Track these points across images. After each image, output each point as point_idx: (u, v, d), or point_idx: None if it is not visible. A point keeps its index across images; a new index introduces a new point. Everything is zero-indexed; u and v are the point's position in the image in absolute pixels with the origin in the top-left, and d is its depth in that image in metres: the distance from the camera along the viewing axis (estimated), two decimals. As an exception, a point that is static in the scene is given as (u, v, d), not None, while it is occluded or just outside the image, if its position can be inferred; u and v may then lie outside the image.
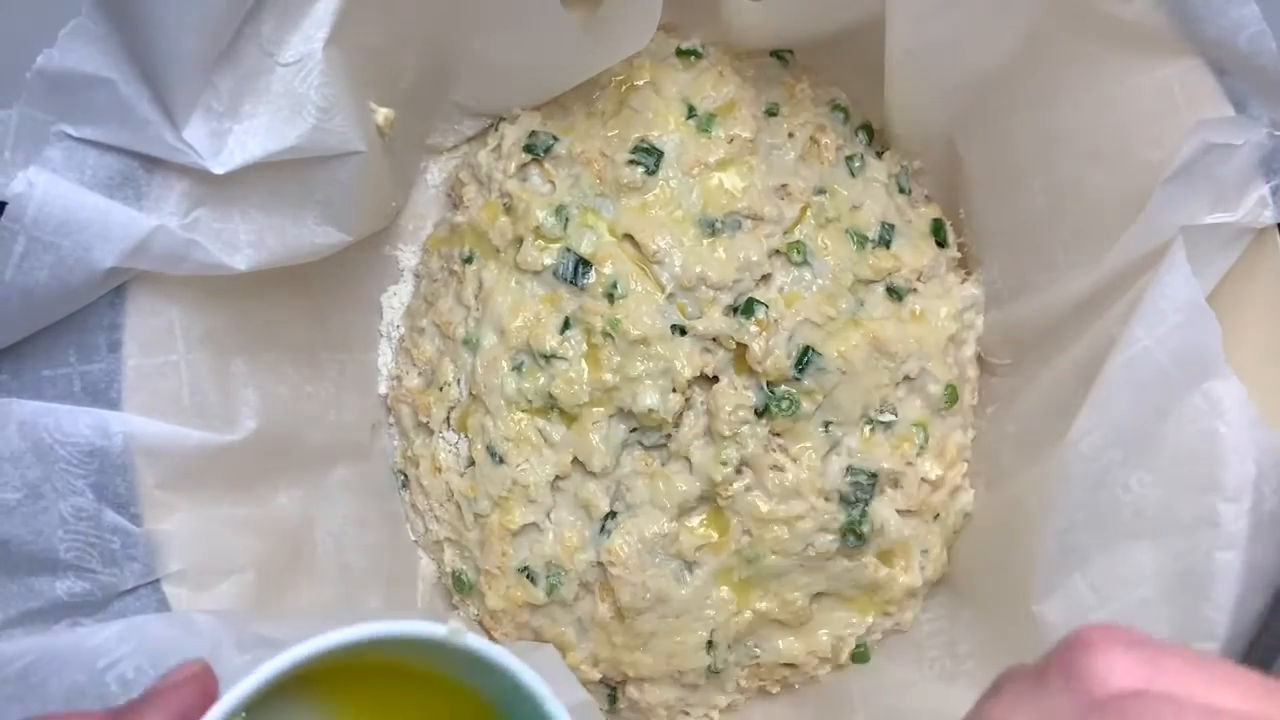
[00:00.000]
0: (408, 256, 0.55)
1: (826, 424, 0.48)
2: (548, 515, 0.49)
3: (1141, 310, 0.39)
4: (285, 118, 0.38)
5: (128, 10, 0.35)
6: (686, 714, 0.50)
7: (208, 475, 0.40)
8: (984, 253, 0.51)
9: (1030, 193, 0.47)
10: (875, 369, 0.48)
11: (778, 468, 0.47)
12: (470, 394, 0.50)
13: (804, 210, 0.49)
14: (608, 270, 0.47)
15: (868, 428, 0.48)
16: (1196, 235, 0.39)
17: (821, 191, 0.50)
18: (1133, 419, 0.39)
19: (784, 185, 0.49)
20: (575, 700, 0.42)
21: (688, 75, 0.51)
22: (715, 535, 0.48)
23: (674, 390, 0.47)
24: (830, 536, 0.47)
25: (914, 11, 0.44)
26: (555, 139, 0.50)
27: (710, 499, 0.48)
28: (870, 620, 0.50)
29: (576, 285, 0.48)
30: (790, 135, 0.50)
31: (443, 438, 0.51)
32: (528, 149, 0.50)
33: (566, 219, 0.48)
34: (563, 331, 0.48)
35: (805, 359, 0.47)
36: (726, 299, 0.47)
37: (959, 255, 0.52)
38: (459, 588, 0.51)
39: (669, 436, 0.48)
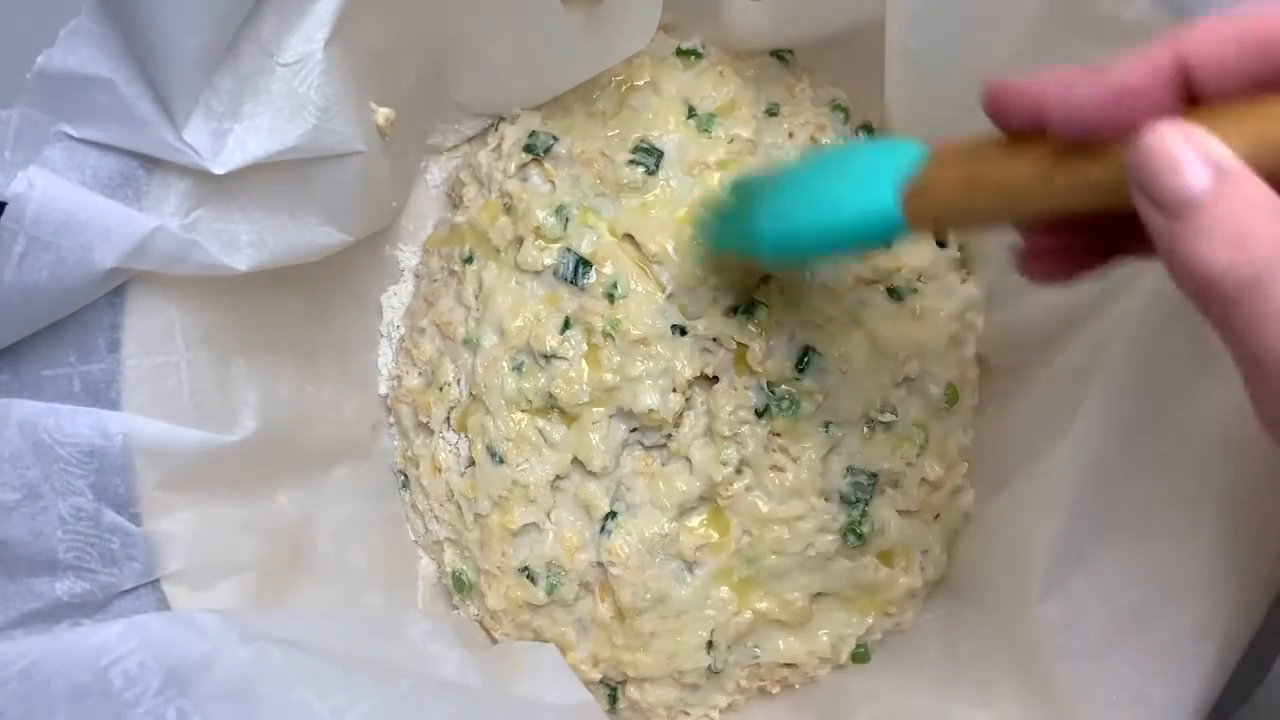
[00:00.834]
0: (408, 256, 0.55)
1: (827, 424, 0.48)
2: (548, 515, 0.49)
3: (1141, 309, 0.39)
4: (286, 118, 0.38)
5: (128, 10, 0.35)
6: (687, 714, 0.50)
7: (208, 475, 0.40)
8: (984, 252, 0.51)
9: (1030, 193, 0.47)
10: (876, 369, 0.48)
11: (778, 468, 0.47)
12: (470, 394, 0.50)
13: (804, 210, 0.49)
14: (608, 270, 0.47)
15: (868, 428, 0.48)
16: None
17: (822, 191, 0.50)
18: (1133, 419, 0.39)
19: (784, 185, 0.49)
20: (576, 700, 0.42)
21: (688, 75, 0.51)
22: (715, 535, 0.48)
23: (674, 390, 0.47)
24: (830, 537, 0.47)
25: (913, 11, 0.44)
26: (555, 139, 0.50)
27: (710, 499, 0.48)
28: (870, 620, 0.49)
29: (577, 285, 0.48)
30: (790, 135, 0.50)
31: (443, 438, 0.51)
32: (528, 149, 0.50)
33: (567, 219, 0.48)
34: (563, 331, 0.48)
35: (805, 359, 0.47)
36: (727, 299, 0.47)
37: (959, 255, 0.52)
38: (459, 588, 0.51)
39: (669, 436, 0.48)
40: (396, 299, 0.55)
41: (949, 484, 0.49)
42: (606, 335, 0.47)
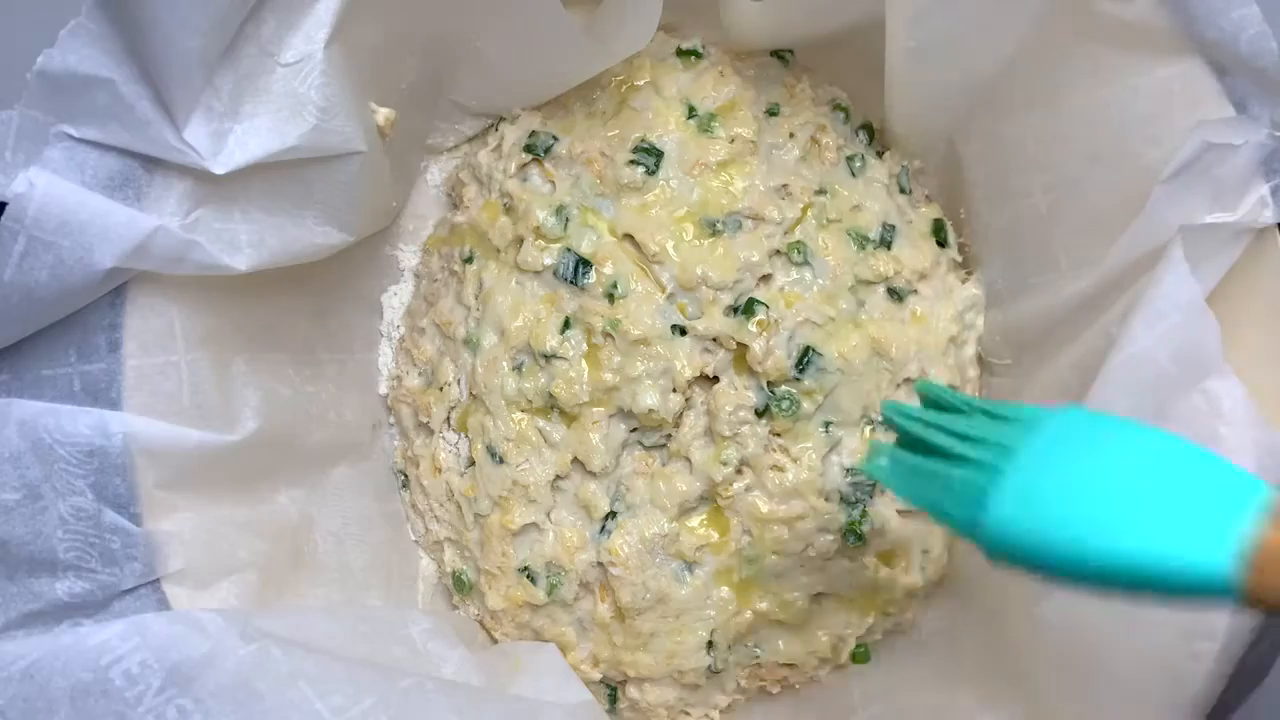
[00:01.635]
0: (408, 256, 0.55)
1: (827, 424, 0.48)
2: (548, 515, 0.49)
3: (1141, 310, 0.39)
4: (286, 118, 0.38)
5: (128, 10, 0.35)
6: (687, 714, 0.50)
7: (208, 475, 0.40)
8: (984, 253, 0.52)
9: (1030, 193, 0.47)
10: (875, 370, 0.48)
11: (778, 468, 0.47)
12: (470, 394, 0.50)
13: (805, 210, 0.49)
14: (608, 270, 0.47)
15: (868, 428, 0.48)
16: (1196, 235, 0.39)
17: (822, 191, 0.50)
18: (1132, 418, 0.39)
19: (785, 185, 0.49)
20: (576, 700, 0.42)
21: (688, 75, 0.51)
22: (715, 535, 0.48)
23: (674, 390, 0.47)
24: (830, 537, 0.47)
25: (914, 11, 0.44)
26: (555, 139, 0.50)
27: (710, 499, 0.48)
28: (871, 620, 0.49)
29: (577, 285, 0.48)
30: (791, 135, 0.50)
31: (443, 438, 0.51)
32: (528, 149, 0.50)
33: (567, 219, 0.48)
34: (563, 331, 0.48)
35: (805, 359, 0.47)
36: (727, 299, 0.47)
37: (959, 255, 0.52)
38: (459, 588, 0.51)
39: (669, 436, 0.48)
40: (396, 299, 0.55)
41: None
42: (606, 335, 0.47)
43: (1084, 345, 0.43)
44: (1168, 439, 0.30)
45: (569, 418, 0.48)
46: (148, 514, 0.37)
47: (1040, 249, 0.47)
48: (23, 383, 0.37)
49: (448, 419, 0.51)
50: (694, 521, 0.48)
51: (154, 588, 0.37)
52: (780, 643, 0.49)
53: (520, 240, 0.49)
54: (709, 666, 0.48)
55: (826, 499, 0.47)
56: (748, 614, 0.48)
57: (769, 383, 0.47)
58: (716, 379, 0.47)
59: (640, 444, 0.48)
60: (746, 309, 0.47)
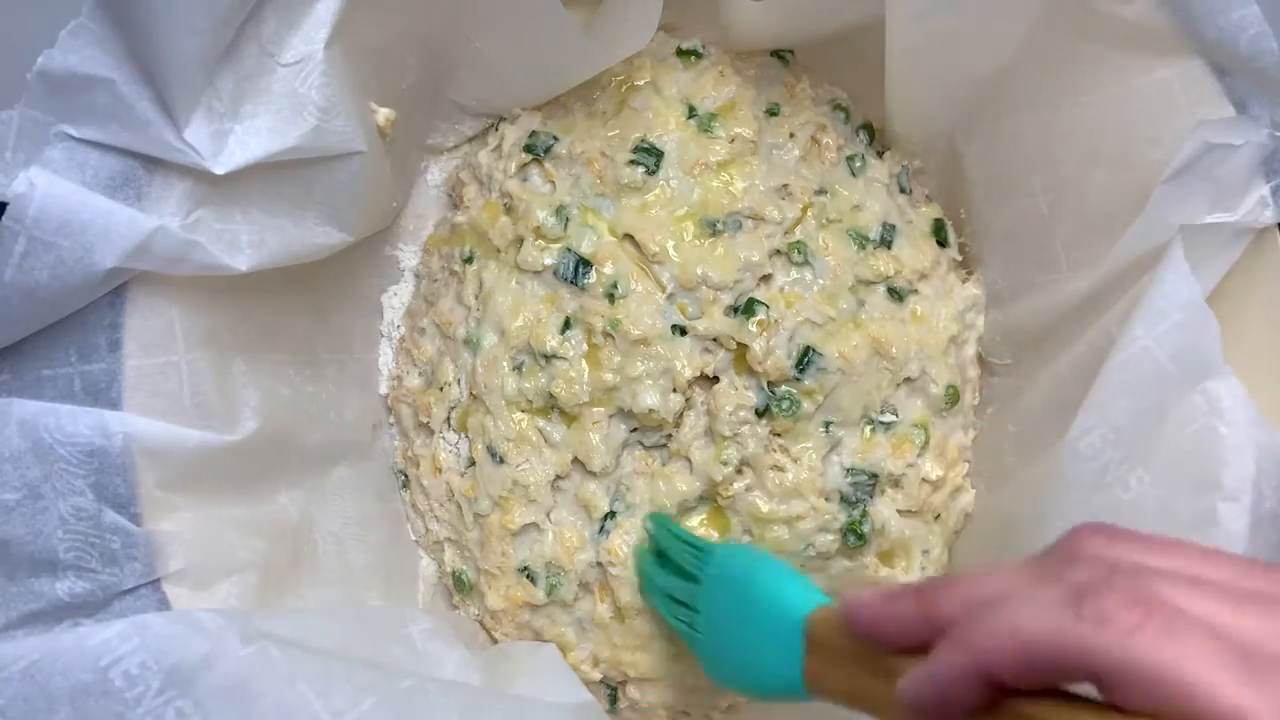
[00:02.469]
0: (408, 256, 0.55)
1: (827, 424, 0.48)
2: (548, 515, 0.49)
3: (1141, 309, 0.39)
4: (286, 118, 0.38)
5: (129, 10, 0.35)
6: (687, 715, 0.50)
7: (208, 475, 0.40)
8: (985, 253, 0.52)
9: (1031, 193, 0.47)
10: (876, 370, 0.48)
11: (778, 468, 0.47)
12: (471, 394, 0.50)
13: (805, 210, 0.49)
14: (608, 270, 0.47)
15: (868, 428, 0.48)
16: (1196, 235, 0.39)
17: (822, 191, 0.50)
18: (1132, 418, 0.39)
19: (785, 185, 0.49)
20: (577, 700, 0.42)
21: (688, 75, 0.51)
22: (715, 535, 0.48)
23: (674, 390, 0.47)
24: (831, 537, 0.47)
25: (913, 10, 0.44)
26: (555, 139, 0.50)
27: (710, 499, 0.48)
28: (870, 620, 0.49)
29: (577, 285, 0.48)
30: (791, 135, 0.50)
31: (443, 438, 0.51)
32: (528, 149, 0.50)
33: (567, 219, 0.48)
34: (563, 331, 0.48)
35: (806, 359, 0.47)
36: (727, 299, 0.47)
37: (960, 255, 0.52)
38: (459, 588, 0.51)
39: (669, 436, 0.48)
40: (397, 299, 0.55)
41: (949, 484, 0.49)
42: (606, 335, 0.47)
43: (1084, 345, 0.43)
44: (758, 575, 0.38)
45: (569, 418, 0.48)
46: (148, 514, 0.37)
47: (1041, 249, 0.47)
48: (23, 383, 0.37)
49: (448, 419, 0.51)
50: (694, 521, 0.48)
51: (154, 588, 0.37)
52: (780, 643, 0.49)
53: (520, 240, 0.49)
54: (709, 666, 0.48)
55: (827, 499, 0.47)
56: (748, 614, 0.48)
57: (769, 383, 0.47)
58: (716, 379, 0.47)
59: (640, 444, 0.48)
60: (747, 309, 0.47)
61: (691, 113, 0.50)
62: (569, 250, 0.48)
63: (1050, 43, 0.43)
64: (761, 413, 0.47)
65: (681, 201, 0.48)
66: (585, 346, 0.47)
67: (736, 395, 0.47)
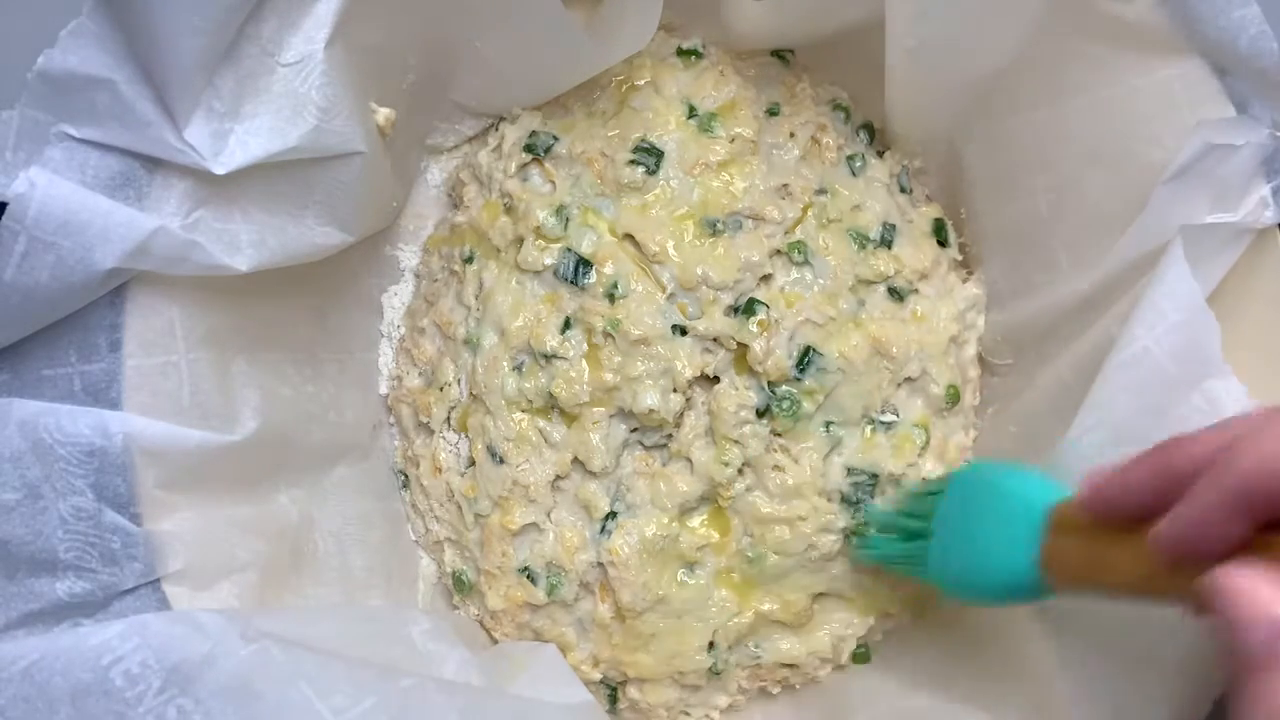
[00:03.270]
0: (408, 256, 0.55)
1: (828, 424, 0.48)
2: (548, 515, 0.49)
3: (1141, 309, 0.39)
4: (286, 118, 0.38)
5: (129, 11, 0.35)
6: (687, 714, 0.50)
7: (208, 475, 0.40)
8: (985, 252, 0.52)
9: (1031, 192, 0.47)
10: (876, 370, 0.48)
11: (779, 468, 0.47)
12: (471, 394, 0.50)
13: (805, 210, 0.49)
14: (608, 270, 0.47)
15: (869, 428, 0.48)
16: (1197, 235, 0.39)
17: (823, 191, 0.50)
18: (1132, 418, 0.39)
19: (785, 185, 0.49)
20: (577, 700, 0.42)
21: (688, 75, 0.51)
22: (716, 536, 0.48)
23: (675, 390, 0.47)
24: (832, 537, 0.47)
25: (914, 10, 0.44)
26: (556, 139, 0.50)
27: (711, 499, 0.48)
28: (871, 621, 0.50)
29: (577, 285, 0.48)
30: (791, 135, 0.50)
31: (443, 438, 0.51)
32: (528, 149, 0.50)
33: (567, 219, 0.48)
34: (563, 331, 0.48)
35: (806, 359, 0.47)
36: (727, 299, 0.47)
37: (960, 255, 0.52)
38: (459, 588, 0.51)
39: (670, 436, 0.48)
40: (397, 299, 0.55)
41: (950, 484, 0.49)
42: (607, 335, 0.47)
43: (1085, 345, 0.43)
44: (999, 476, 0.39)
45: (569, 418, 0.48)
46: (148, 514, 0.37)
47: (1041, 249, 0.47)
48: (23, 382, 0.37)
49: (448, 419, 0.51)
50: (695, 522, 0.48)
51: (154, 588, 0.37)
52: (781, 643, 0.49)
53: (520, 240, 0.49)
54: (710, 667, 0.48)
55: (828, 499, 0.47)
56: (749, 614, 0.48)
57: (770, 383, 0.47)
58: (717, 379, 0.47)
59: (641, 444, 0.48)
60: (747, 309, 0.47)
61: (692, 113, 0.50)
62: (569, 250, 0.48)
63: (1051, 43, 0.43)
64: (762, 413, 0.47)
65: (682, 201, 0.48)
66: (585, 346, 0.47)
67: (737, 395, 0.47)
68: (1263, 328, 0.40)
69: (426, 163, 0.55)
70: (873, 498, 0.48)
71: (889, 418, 0.49)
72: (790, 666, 0.50)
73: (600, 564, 0.48)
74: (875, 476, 0.48)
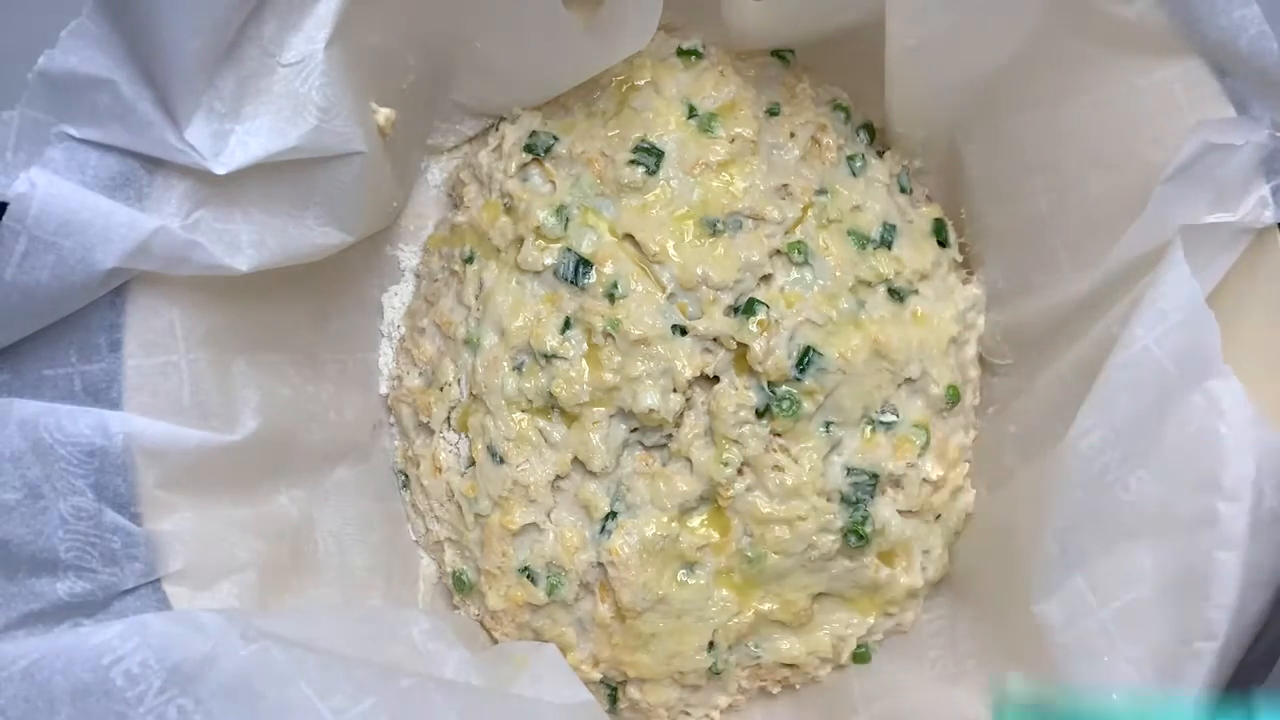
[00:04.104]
0: (408, 256, 0.55)
1: (828, 424, 0.48)
2: (548, 515, 0.49)
3: (1141, 310, 0.39)
4: (287, 118, 0.38)
5: (129, 11, 0.35)
6: (687, 714, 0.50)
7: (208, 475, 0.40)
8: (985, 253, 0.52)
9: (1031, 193, 0.47)
10: (876, 370, 0.48)
11: (779, 468, 0.47)
12: (471, 394, 0.50)
13: (805, 210, 0.49)
14: (608, 270, 0.47)
15: (869, 428, 0.48)
16: (1196, 235, 0.39)
17: (823, 191, 0.50)
18: (1132, 418, 0.39)
19: (785, 185, 0.49)
20: (576, 700, 0.42)
21: (688, 75, 0.51)
22: (716, 535, 0.48)
23: (674, 390, 0.47)
24: (832, 537, 0.47)
25: (914, 10, 0.44)
26: (556, 139, 0.50)
27: (711, 499, 0.48)
28: (871, 621, 0.50)
29: (577, 285, 0.48)
30: (791, 135, 0.50)
31: (443, 438, 0.51)
32: (528, 149, 0.50)
33: (567, 219, 0.48)
34: (563, 331, 0.48)
35: (806, 359, 0.47)
36: (727, 299, 0.47)
37: (960, 255, 0.52)
38: (459, 588, 0.51)
39: (670, 436, 0.48)
40: (397, 299, 0.55)
41: (950, 484, 0.49)
42: (607, 335, 0.47)
43: (1085, 345, 0.43)
44: None
45: (569, 418, 0.48)
46: (148, 514, 0.37)
47: (1041, 249, 0.47)
48: (24, 382, 0.37)
49: (448, 419, 0.51)
50: (695, 522, 0.48)
51: (154, 588, 0.37)
52: (781, 643, 0.49)
53: (520, 240, 0.49)
54: (710, 667, 0.48)
55: (827, 499, 0.47)
56: (749, 614, 0.48)
57: (769, 383, 0.47)
58: (717, 379, 0.47)
59: (641, 444, 0.48)
60: (747, 309, 0.47)
61: (692, 113, 0.50)
62: (569, 250, 0.48)
63: (1051, 42, 0.43)
64: (762, 413, 0.47)
65: (682, 201, 0.48)
66: (585, 346, 0.47)
67: (737, 395, 0.47)
68: (1262, 328, 0.40)
69: (426, 163, 0.55)
70: (872, 498, 0.48)
71: (889, 418, 0.49)
72: (790, 666, 0.50)
73: (600, 564, 0.48)
74: (875, 476, 0.48)
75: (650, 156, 0.48)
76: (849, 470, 0.48)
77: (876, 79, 0.49)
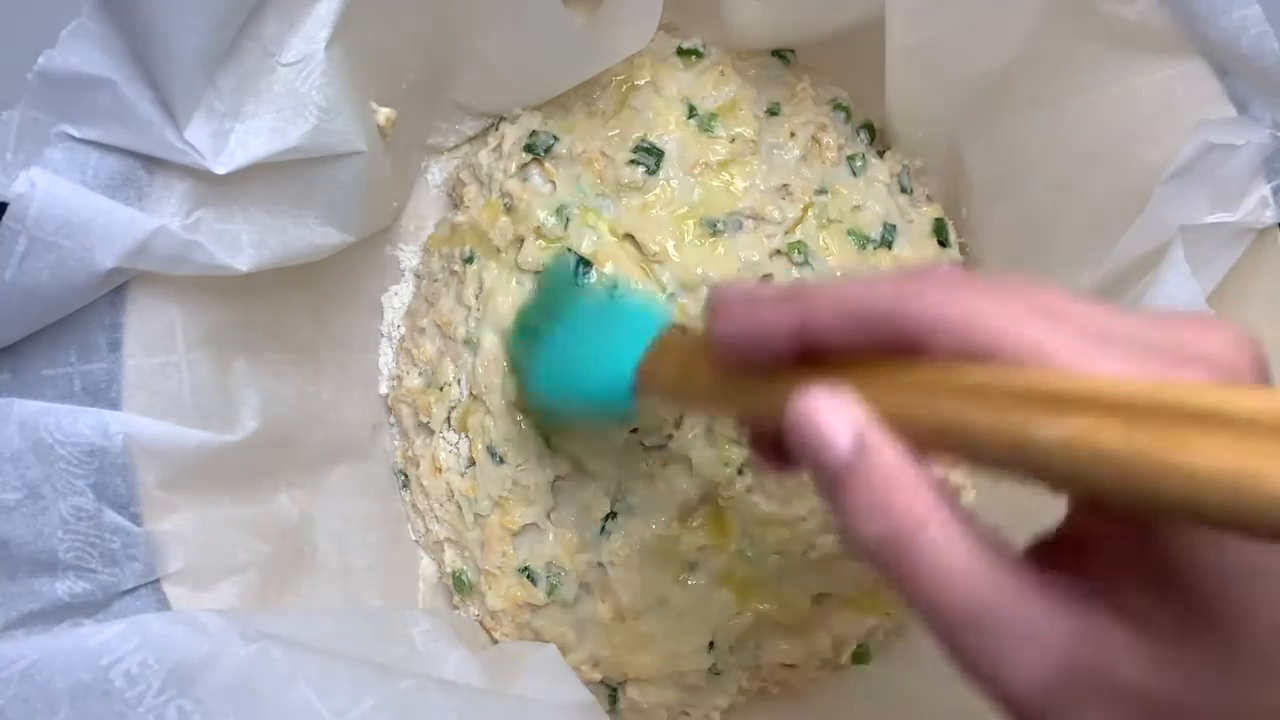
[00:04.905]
0: (408, 257, 0.55)
1: (827, 424, 0.47)
2: (548, 515, 0.49)
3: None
4: (287, 118, 0.38)
5: (129, 11, 0.35)
6: (687, 715, 0.50)
7: (208, 475, 0.40)
8: (986, 253, 0.52)
9: (1032, 192, 0.47)
10: (876, 369, 0.48)
11: (779, 468, 0.47)
12: (471, 394, 0.50)
13: (805, 210, 0.49)
14: (609, 270, 0.47)
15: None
16: (1197, 235, 0.39)
17: (823, 191, 0.50)
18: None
19: (785, 185, 0.49)
20: (576, 700, 0.42)
21: (688, 75, 0.51)
22: (716, 536, 0.48)
23: (675, 390, 0.47)
24: (832, 537, 0.47)
25: (914, 10, 0.44)
26: (556, 139, 0.50)
27: (711, 500, 0.48)
28: (871, 621, 0.49)
29: (577, 285, 0.47)
30: (792, 135, 0.50)
31: (443, 438, 0.51)
32: (528, 149, 0.50)
33: (567, 219, 0.48)
34: (563, 332, 0.48)
35: (806, 359, 0.47)
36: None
37: (961, 255, 0.52)
38: (459, 588, 0.51)
39: (669, 437, 0.48)
40: (397, 299, 0.55)
41: (950, 484, 0.49)
42: (607, 335, 0.47)
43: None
44: (623, 301, 0.43)
45: (569, 418, 0.48)
46: (148, 514, 0.37)
47: (1042, 248, 0.47)
48: (23, 382, 0.37)
49: (448, 419, 0.51)
50: (694, 523, 0.48)
51: (154, 588, 0.37)
52: (781, 644, 0.49)
53: (521, 240, 0.49)
54: (710, 668, 0.48)
55: (827, 499, 0.47)
56: (749, 615, 0.48)
57: (770, 383, 0.47)
58: (717, 379, 0.47)
59: (641, 444, 0.48)
60: (747, 309, 0.47)
61: (692, 112, 0.50)
62: (569, 250, 0.48)
63: (1051, 42, 0.43)
64: (762, 413, 0.47)
65: (682, 201, 0.48)
66: (586, 347, 0.47)
67: (737, 395, 0.47)
68: (1262, 328, 0.40)
69: (427, 163, 0.55)
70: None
71: (889, 418, 0.48)
72: (790, 667, 0.50)
73: (600, 564, 0.48)
74: (875, 477, 0.48)
75: (650, 156, 0.48)
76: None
77: (876, 79, 0.49)
